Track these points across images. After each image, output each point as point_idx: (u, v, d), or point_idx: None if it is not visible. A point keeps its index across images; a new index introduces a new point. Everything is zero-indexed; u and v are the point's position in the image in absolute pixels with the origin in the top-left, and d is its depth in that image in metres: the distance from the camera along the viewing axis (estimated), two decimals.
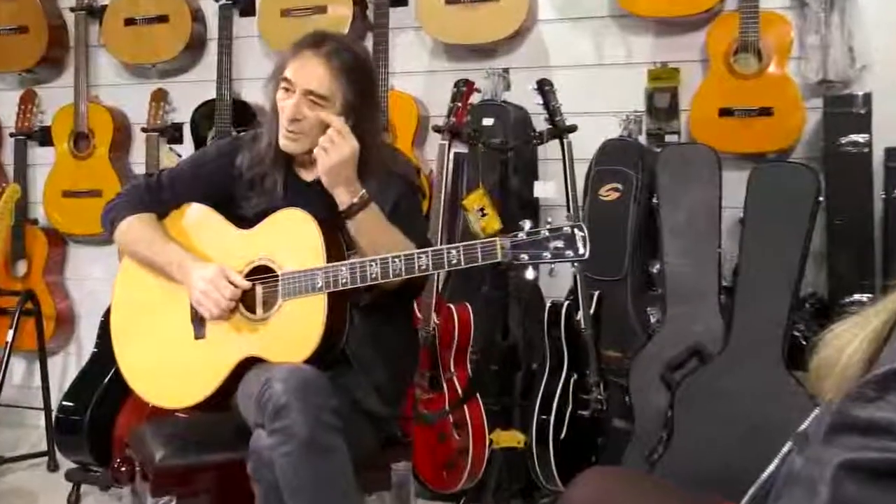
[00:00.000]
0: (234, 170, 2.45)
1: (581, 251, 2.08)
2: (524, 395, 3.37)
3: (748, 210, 3.20)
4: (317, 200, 2.34)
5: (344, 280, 2.20)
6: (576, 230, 2.09)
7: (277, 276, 2.29)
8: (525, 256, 2.10)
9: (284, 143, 2.34)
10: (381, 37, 3.77)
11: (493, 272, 3.38)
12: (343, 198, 2.27)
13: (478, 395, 3.26)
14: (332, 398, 2.14)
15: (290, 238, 2.31)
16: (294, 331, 2.26)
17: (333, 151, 2.25)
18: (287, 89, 2.31)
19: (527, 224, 2.11)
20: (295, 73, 2.29)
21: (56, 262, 4.49)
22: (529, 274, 2.12)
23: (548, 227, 2.11)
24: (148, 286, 2.47)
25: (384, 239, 2.25)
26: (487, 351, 3.32)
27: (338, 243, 2.29)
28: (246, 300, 2.34)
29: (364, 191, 2.28)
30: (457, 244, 2.14)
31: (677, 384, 3.15)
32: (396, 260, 2.16)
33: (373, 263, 2.18)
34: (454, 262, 2.12)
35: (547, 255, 2.09)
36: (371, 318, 2.35)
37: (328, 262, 2.23)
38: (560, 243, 2.09)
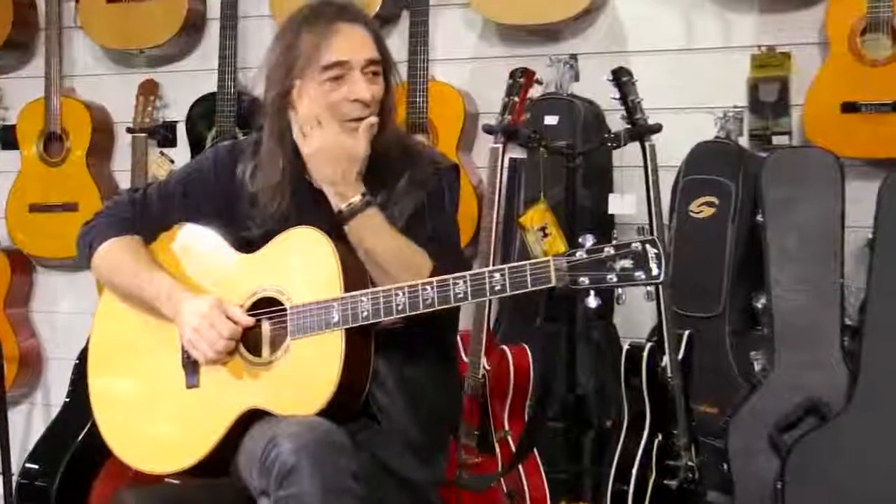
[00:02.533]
0: (234, 181, 2.47)
1: (655, 272, 2.06)
2: (596, 460, 3.35)
3: (879, 230, 3.17)
4: (330, 210, 2.36)
5: (364, 313, 2.21)
6: (647, 246, 2.07)
7: (285, 309, 2.30)
8: (585, 280, 2.08)
9: (365, 141, 2.35)
10: (419, 16, 3.78)
11: (553, 302, 3.37)
12: (332, 197, 2.32)
13: (536, 454, 3.24)
14: (353, 460, 2.14)
15: (301, 263, 2.32)
16: (305, 376, 2.26)
17: (315, 134, 2.31)
18: (339, 77, 2.32)
19: (588, 240, 2.10)
20: (347, 51, 2.31)
21: (21, 292, 4.54)
22: (591, 302, 2.11)
23: (613, 243, 2.09)
24: (132, 324, 2.48)
25: (386, 251, 2.28)
26: (548, 402, 3.29)
27: (359, 268, 2.30)
28: (249, 340, 2.35)
29: (363, 192, 2.31)
30: (501, 266, 2.14)
31: (789, 448, 3.12)
32: (428, 288, 2.17)
33: (399, 293, 2.19)
34: (497, 288, 2.12)
35: (612, 277, 2.07)
36: (401, 357, 2.35)
37: (346, 291, 2.24)
38: (628, 263, 2.07)
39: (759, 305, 3.41)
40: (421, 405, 2.37)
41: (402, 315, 2.20)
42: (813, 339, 3.21)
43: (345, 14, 2.34)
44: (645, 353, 3.22)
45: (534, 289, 2.10)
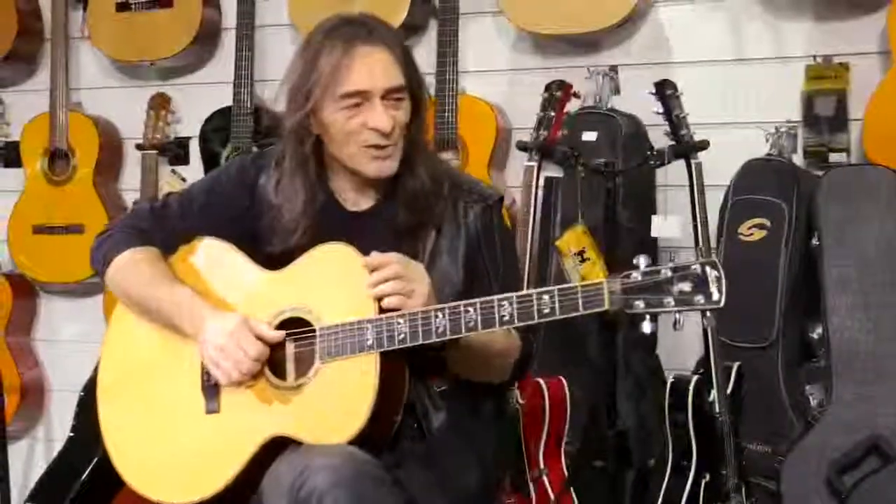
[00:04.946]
0: (255, 193, 2.50)
1: (715, 297, 2.05)
2: (638, 502, 3.32)
3: None
4: (368, 235, 2.36)
5: (401, 335, 2.21)
6: (708, 268, 2.06)
7: (314, 330, 2.31)
8: (640, 304, 2.07)
9: (379, 168, 2.37)
10: (448, 25, 3.81)
11: (596, 330, 3.36)
12: None
13: (574, 496, 3.23)
14: (392, 494, 2.16)
15: (331, 281, 2.32)
16: (335, 402, 2.26)
17: (416, 289, 2.24)
18: (357, 104, 2.34)
19: (642, 261, 2.10)
20: (366, 78, 2.32)
21: (23, 319, 4.57)
22: (646, 327, 2.10)
23: (671, 264, 2.08)
24: (146, 343, 2.50)
25: (489, 343, 2.28)
26: (588, 440, 3.29)
27: None
28: (273, 363, 2.36)
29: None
30: (550, 288, 2.13)
31: (849, 491, 3.09)
32: (470, 309, 2.17)
33: (439, 314, 2.19)
34: (546, 311, 2.11)
35: (670, 301, 2.06)
36: (465, 411, 2.38)
37: (380, 311, 2.24)
38: (686, 286, 2.06)
39: (815, 335, 3.40)
40: (475, 458, 2.41)
41: (443, 339, 2.20)
42: (874, 372, 3.18)
43: (365, 35, 2.34)
44: (691, 387, 3.21)
45: (585, 312, 2.10)
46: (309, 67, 2.35)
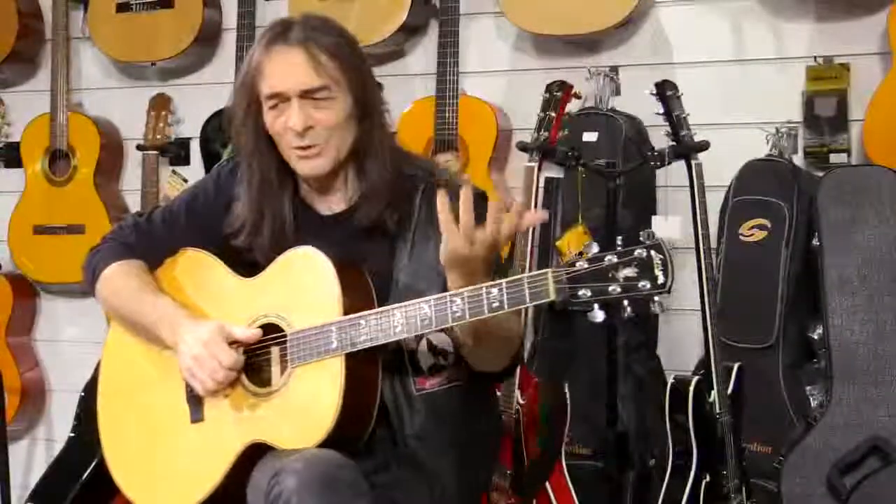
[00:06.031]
0: (233, 203, 2.51)
1: (661, 281, 2.00)
2: (638, 502, 3.32)
3: None
4: (337, 238, 2.38)
5: (363, 337, 2.22)
6: (653, 252, 2.01)
7: (285, 336, 2.32)
8: (586, 293, 2.03)
9: (302, 167, 2.38)
10: (449, 26, 3.80)
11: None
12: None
13: (574, 496, 3.23)
14: (362, 498, 2.15)
15: (302, 286, 2.34)
16: (305, 407, 2.27)
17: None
18: (275, 106, 2.36)
19: (592, 248, 2.06)
20: (279, 81, 2.33)
21: (23, 319, 4.57)
22: (598, 316, 2.07)
23: (616, 250, 2.04)
24: (139, 354, 2.52)
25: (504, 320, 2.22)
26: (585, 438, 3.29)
27: (363, 290, 2.32)
28: (257, 368, 2.37)
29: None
30: (498, 280, 2.11)
31: (850, 492, 3.09)
32: (424, 306, 2.17)
33: (396, 313, 2.20)
34: (496, 304, 2.09)
35: (615, 288, 2.02)
36: (451, 418, 2.37)
37: (346, 314, 2.25)
38: (631, 272, 2.01)
39: (816, 336, 3.40)
40: (460, 453, 2.40)
41: (399, 337, 2.21)
42: (875, 373, 3.18)
43: (283, 36, 2.34)
44: (691, 388, 3.20)
45: (532, 304, 2.08)
46: (246, 69, 2.40)
